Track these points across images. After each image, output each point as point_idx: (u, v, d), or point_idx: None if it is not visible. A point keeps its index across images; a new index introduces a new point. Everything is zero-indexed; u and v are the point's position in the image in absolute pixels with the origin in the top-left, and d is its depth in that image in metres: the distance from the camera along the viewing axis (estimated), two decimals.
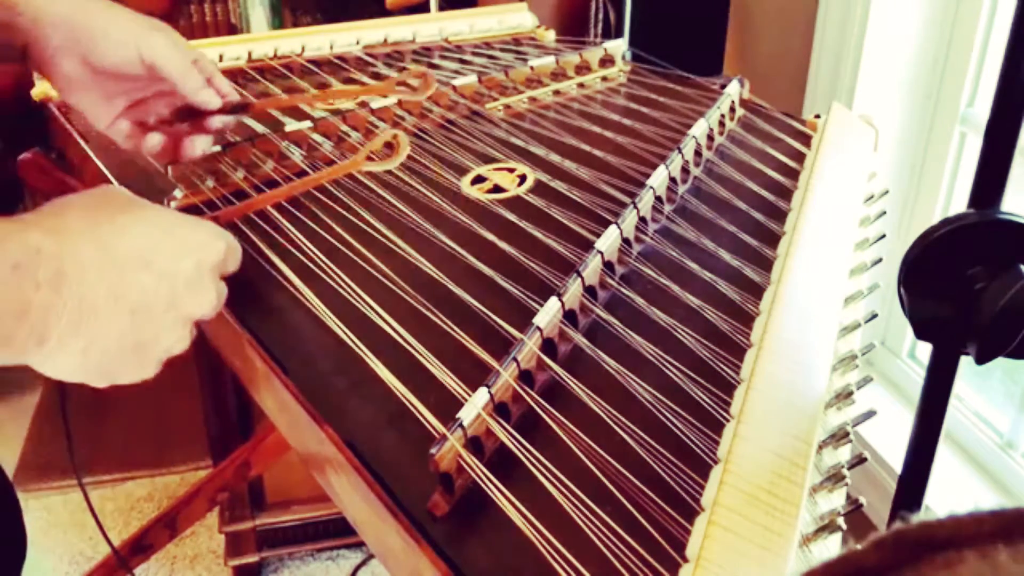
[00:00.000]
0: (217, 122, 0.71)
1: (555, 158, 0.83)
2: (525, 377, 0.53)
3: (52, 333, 0.44)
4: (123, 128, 0.69)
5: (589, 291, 0.61)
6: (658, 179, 0.73)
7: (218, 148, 0.79)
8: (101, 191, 0.51)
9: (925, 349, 0.97)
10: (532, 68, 1.02)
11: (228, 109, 0.70)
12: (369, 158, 0.71)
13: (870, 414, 0.52)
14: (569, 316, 0.58)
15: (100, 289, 0.46)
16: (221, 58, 1.08)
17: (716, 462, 0.46)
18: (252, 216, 0.72)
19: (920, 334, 0.65)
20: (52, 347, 0.45)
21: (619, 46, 1.09)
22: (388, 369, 0.55)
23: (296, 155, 0.82)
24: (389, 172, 0.79)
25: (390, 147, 0.70)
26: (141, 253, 0.48)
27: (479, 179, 0.80)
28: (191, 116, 0.70)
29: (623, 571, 0.42)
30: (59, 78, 0.65)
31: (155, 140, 0.69)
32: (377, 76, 1.05)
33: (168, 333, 0.50)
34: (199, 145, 0.71)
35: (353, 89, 0.92)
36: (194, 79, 0.67)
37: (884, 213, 0.77)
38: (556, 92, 1.02)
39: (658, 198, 0.73)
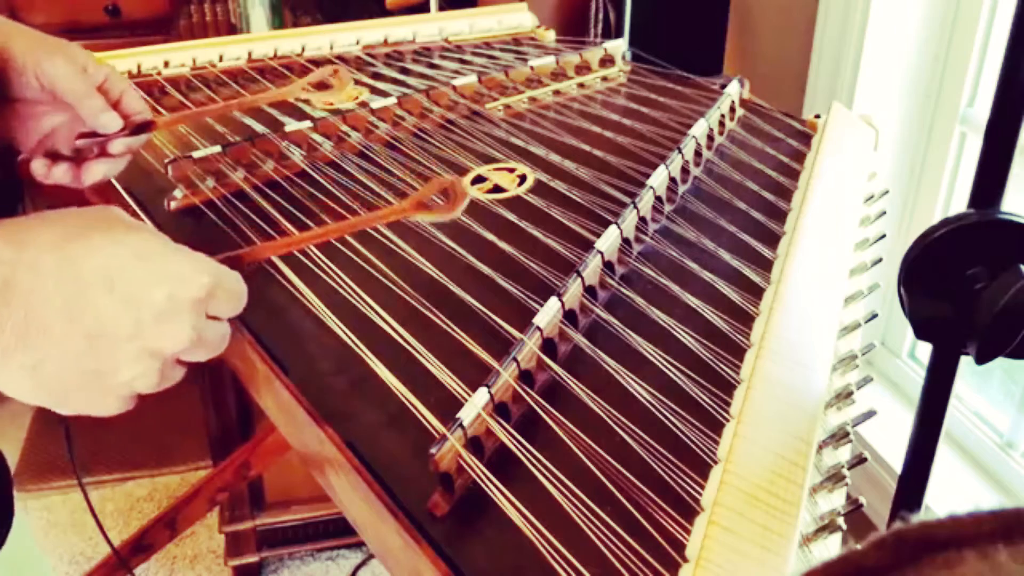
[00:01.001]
0: (118, 146, 0.66)
1: (555, 158, 0.83)
2: (525, 377, 0.53)
3: None
4: (37, 164, 0.66)
5: (589, 291, 0.61)
6: (658, 179, 0.73)
7: (218, 148, 0.79)
8: (98, 208, 0.49)
9: (925, 349, 0.97)
10: (532, 68, 1.02)
11: (131, 130, 0.67)
12: (421, 204, 0.65)
13: (870, 414, 0.52)
14: (569, 316, 0.58)
15: (54, 305, 0.44)
16: (221, 58, 1.08)
17: (716, 462, 0.46)
18: (252, 215, 0.72)
19: (920, 334, 0.66)
20: None
21: (619, 46, 1.09)
22: (388, 369, 0.55)
23: (296, 155, 0.82)
24: (389, 172, 0.79)
25: (445, 194, 0.64)
26: (106, 274, 0.45)
27: (479, 179, 0.80)
28: (96, 138, 0.66)
29: (623, 571, 0.42)
30: None
31: (60, 170, 0.66)
32: (377, 76, 1.05)
33: (130, 365, 0.46)
34: (98, 170, 0.66)
35: (261, 98, 0.87)
36: (93, 102, 0.64)
37: (884, 213, 0.77)
38: (556, 92, 1.02)
39: (658, 198, 0.73)
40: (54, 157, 0.66)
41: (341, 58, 1.11)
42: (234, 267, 0.52)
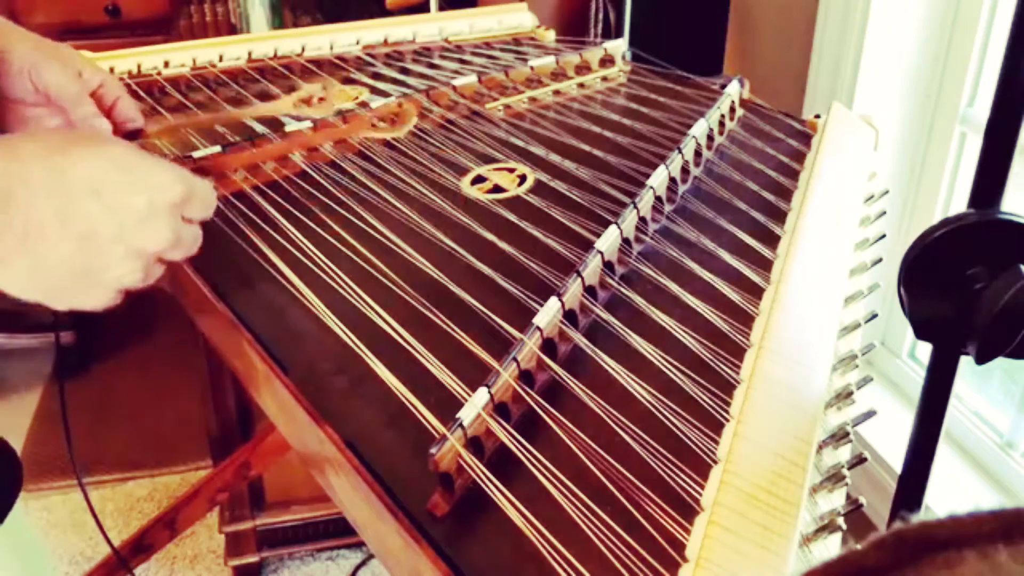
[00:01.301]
0: None
1: (555, 158, 0.83)
2: (525, 377, 0.53)
3: None
4: None
5: (589, 291, 0.61)
6: (658, 179, 0.73)
7: (218, 148, 0.79)
8: (82, 129, 0.54)
9: (925, 349, 0.97)
10: (532, 68, 1.02)
11: (121, 136, 0.69)
12: (373, 125, 0.70)
13: (870, 414, 0.52)
14: (569, 316, 0.58)
15: (47, 211, 0.48)
16: (221, 58, 1.08)
17: (716, 462, 0.46)
18: (252, 215, 0.72)
19: (920, 334, 0.66)
20: None
21: (619, 46, 1.09)
22: (388, 369, 0.55)
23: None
24: (389, 172, 0.79)
25: (396, 116, 0.69)
26: (91, 183, 0.50)
27: (479, 179, 0.80)
28: None
29: (623, 571, 0.42)
30: None
31: None
32: (377, 76, 1.05)
33: (118, 264, 0.52)
34: None
35: (248, 112, 0.87)
36: (84, 108, 0.66)
37: (884, 213, 0.77)
38: (556, 92, 1.02)
39: (658, 198, 0.73)
40: None
41: (341, 58, 1.11)
42: (203, 175, 0.57)
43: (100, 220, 0.50)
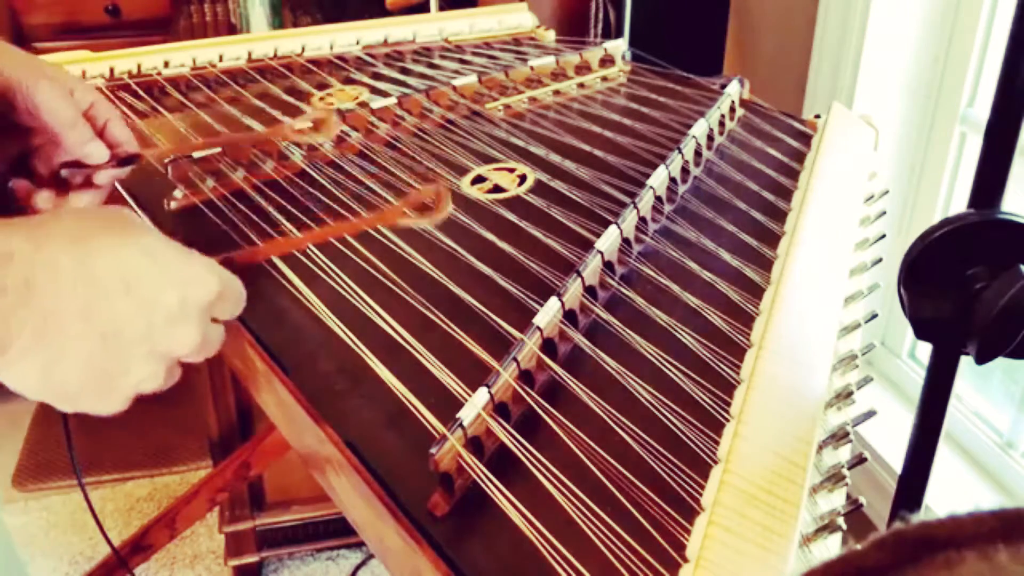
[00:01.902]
0: (104, 177, 0.65)
1: (555, 158, 0.83)
2: (525, 377, 0.53)
3: (14, 342, 0.42)
4: (19, 183, 0.64)
5: (589, 291, 0.61)
6: (658, 179, 0.73)
7: (218, 148, 0.79)
8: (109, 208, 0.49)
9: (925, 349, 0.97)
10: (532, 68, 1.02)
11: (117, 161, 0.65)
12: (407, 211, 0.67)
13: (870, 414, 0.52)
14: (569, 316, 0.58)
15: (72, 306, 0.44)
16: (221, 58, 1.08)
17: (716, 462, 0.46)
18: (252, 215, 0.72)
19: (920, 334, 0.66)
20: (13, 356, 0.43)
21: (619, 46, 1.09)
22: (388, 369, 0.55)
23: (296, 155, 0.82)
24: (389, 172, 0.79)
25: (433, 202, 0.67)
26: (123, 276, 0.46)
27: (479, 179, 0.80)
28: (81, 167, 0.64)
29: (623, 571, 0.42)
30: None
31: (44, 196, 0.63)
32: (377, 76, 1.05)
33: (139, 367, 0.47)
34: (83, 201, 0.65)
35: (245, 136, 0.83)
36: (79, 131, 0.62)
37: (884, 213, 0.77)
38: (556, 92, 1.02)
39: (658, 198, 0.73)
40: (35, 181, 0.64)
41: (341, 58, 1.11)
42: (229, 268, 0.53)
43: (127, 318, 0.46)
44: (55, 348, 0.44)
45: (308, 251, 0.67)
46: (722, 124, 0.90)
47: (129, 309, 0.46)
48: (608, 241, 0.64)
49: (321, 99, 0.98)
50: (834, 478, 0.47)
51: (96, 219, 0.47)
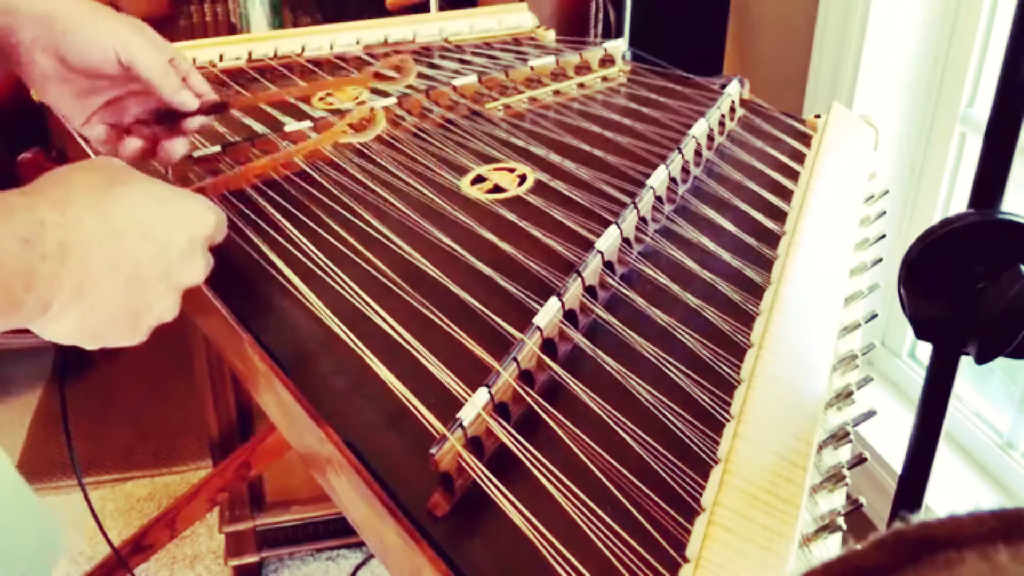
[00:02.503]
0: (195, 123, 0.70)
1: (555, 158, 0.83)
2: (525, 377, 0.53)
3: (55, 301, 0.46)
4: (98, 130, 0.68)
5: (589, 291, 0.61)
6: (658, 179, 0.73)
7: (218, 148, 0.79)
8: (100, 161, 0.53)
9: (925, 349, 0.97)
10: (532, 68, 1.02)
11: (205, 109, 0.69)
12: (377, 75, 0.71)
13: (870, 414, 0.52)
14: (569, 316, 0.58)
15: (100, 258, 0.48)
16: (221, 58, 1.08)
17: (716, 462, 0.46)
18: (252, 215, 0.72)
19: (920, 334, 0.65)
20: (54, 313, 0.47)
21: (619, 46, 1.09)
22: (388, 369, 0.55)
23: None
24: (389, 172, 0.79)
25: (367, 121, 0.70)
26: (140, 224, 0.50)
27: (479, 179, 0.80)
28: (168, 118, 0.68)
29: (623, 571, 0.42)
30: (32, 73, 0.64)
31: (133, 144, 0.68)
32: (377, 76, 1.05)
33: (160, 301, 0.52)
34: (178, 148, 0.69)
35: (330, 81, 0.90)
36: (172, 81, 0.66)
37: (884, 213, 0.77)
38: (556, 92, 1.02)
39: (658, 198, 0.73)
40: (117, 129, 0.69)
41: (341, 58, 1.11)
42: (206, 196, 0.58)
43: (148, 261, 0.50)
44: (90, 300, 0.48)
45: (308, 251, 0.67)
46: (722, 124, 0.90)
47: (148, 252, 0.50)
48: (608, 241, 0.64)
49: (321, 99, 0.98)
50: (834, 478, 0.47)
51: (99, 173, 0.51)
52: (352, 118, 0.75)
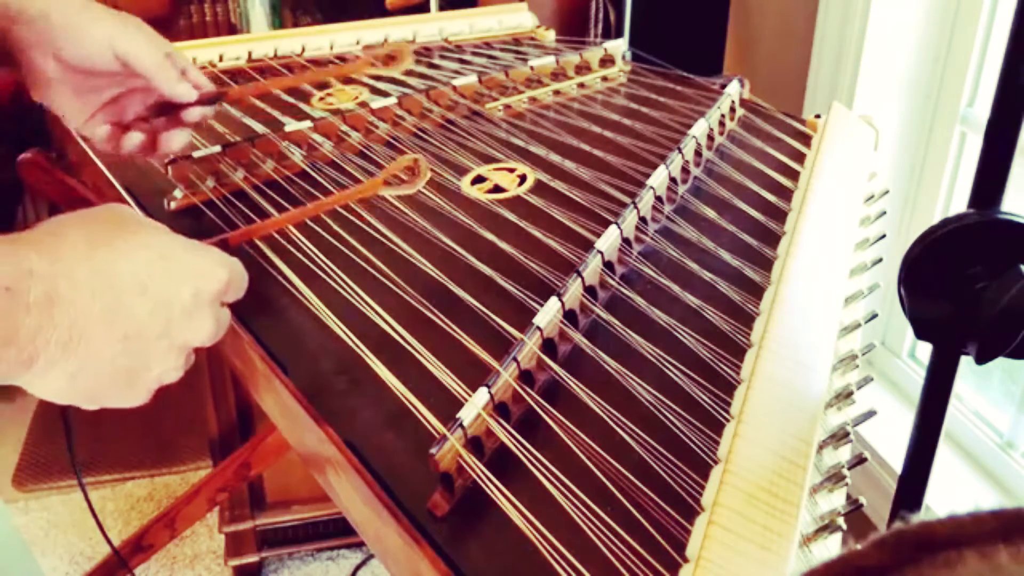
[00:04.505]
0: (195, 114, 0.69)
1: (555, 158, 0.83)
2: (525, 377, 0.53)
3: (40, 355, 0.43)
4: (100, 129, 0.68)
5: (589, 291, 0.61)
6: (658, 179, 0.73)
7: (218, 148, 0.79)
8: (106, 209, 0.50)
9: (925, 349, 0.97)
10: (532, 68, 1.02)
11: (204, 100, 0.69)
12: (387, 182, 0.70)
13: (870, 414, 0.52)
14: (569, 316, 0.58)
15: (93, 313, 0.45)
16: (221, 58, 1.08)
17: (716, 462, 0.46)
18: (252, 215, 0.72)
19: (920, 334, 0.65)
20: (40, 368, 0.44)
21: (619, 46, 1.09)
22: (388, 369, 0.55)
23: (296, 155, 0.82)
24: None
25: (410, 171, 0.69)
26: (138, 278, 0.47)
27: (479, 179, 0.80)
28: (167, 110, 0.68)
29: (623, 571, 0.42)
30: (31, 74, 0.63)
31: (135, 139, 0.68)
32: (377, 77, 1.05)
33: (160, 361, 0.49)
34: (177, 139, 0.69)
35: (327, 71, 0.90)
36: (169, 73, 0.66)
37: (884, 213, 0.77)
38: (556, 92, 1.02)
39: (658, 198, 0.73)
40: (119, 126, 0.68)
41: (341, 58, 1.11)
42: (224, 250, 0.54)
43: (146, 318, 0.47)
44: (80, 356, 0.45)
45: (308, 251, 0.67)
46: (722, 124, 0.90)
47: (147, 309, 0.47)
48: (608, 241, 0.64)
49: (321, 99, 0.98)
50: (834, 478, 0.47)
51: (102, 223, 0.48)
52: (393, 168, 0.72)
